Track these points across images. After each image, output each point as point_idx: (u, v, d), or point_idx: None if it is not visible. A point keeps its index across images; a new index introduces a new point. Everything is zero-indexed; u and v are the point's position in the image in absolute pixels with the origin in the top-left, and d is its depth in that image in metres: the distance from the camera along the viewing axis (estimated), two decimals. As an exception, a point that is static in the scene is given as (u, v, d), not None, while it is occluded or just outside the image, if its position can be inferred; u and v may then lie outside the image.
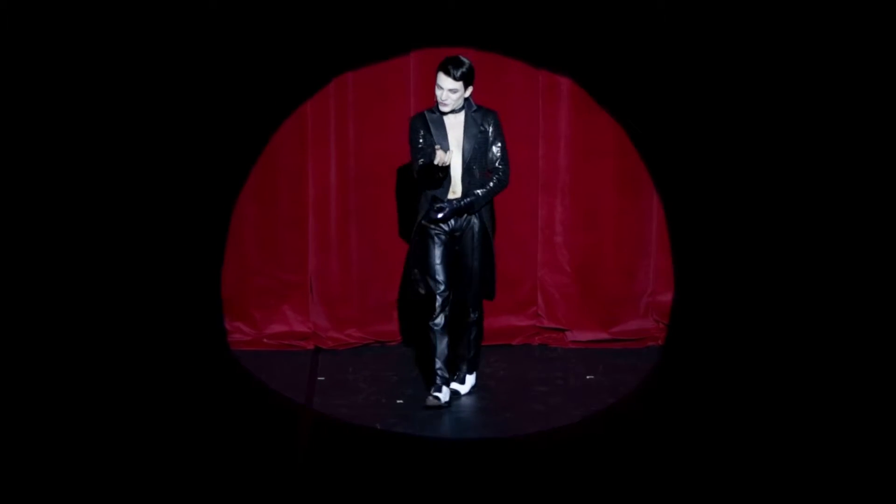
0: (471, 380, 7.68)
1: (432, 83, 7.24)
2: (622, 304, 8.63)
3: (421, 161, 7.18)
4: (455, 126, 7.25)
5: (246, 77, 6.89)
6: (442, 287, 7.33)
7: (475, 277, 7.38)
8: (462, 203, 7.25)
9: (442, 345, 7.39)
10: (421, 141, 7.22)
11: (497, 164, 7.29)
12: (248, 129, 7.30)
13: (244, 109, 7.19)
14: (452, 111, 7.22)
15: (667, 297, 8.61)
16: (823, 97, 6.75)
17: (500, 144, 7.27)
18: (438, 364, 7.41)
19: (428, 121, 7.25)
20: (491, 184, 7.29)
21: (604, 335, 8.62)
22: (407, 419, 7.37)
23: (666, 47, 7.49)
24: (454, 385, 7.56)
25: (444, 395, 7.44)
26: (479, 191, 7.25)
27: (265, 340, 8.48)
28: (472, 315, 7.48)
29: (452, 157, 7.18)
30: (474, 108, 7.27)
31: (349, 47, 7.78)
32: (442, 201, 7.26)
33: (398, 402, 7.67)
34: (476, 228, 7.32)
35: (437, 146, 7.13)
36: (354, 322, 8.55)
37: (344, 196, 8.43)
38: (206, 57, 6.81)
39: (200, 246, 7.56)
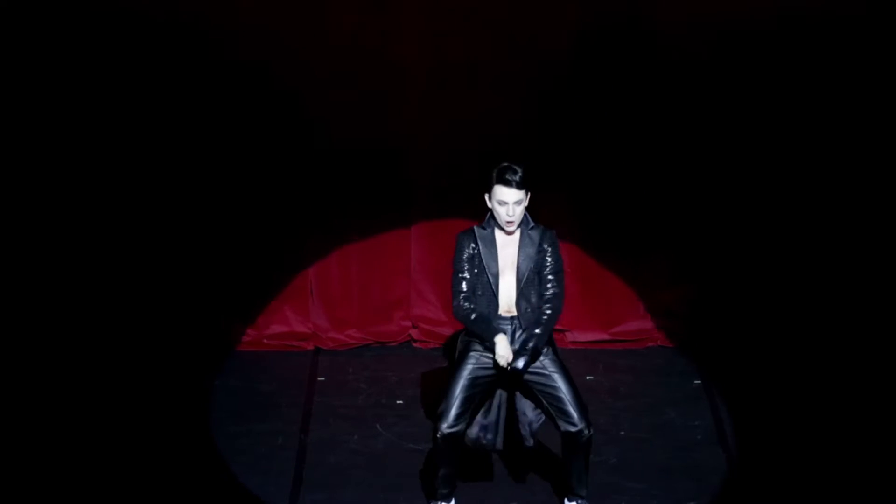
0: None
1: None
2: (622, 304, 8.62)
3: (472, 310, 6.40)
4: (508, 244, 6.43)
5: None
6: (458, 422, 6.35)
7: (569, 393, 6.38)
8: (529, 348, 6.33)
9: (451, 455, 6.45)
10: (466, 257, 6.42)
11: (549, 291, 6.43)
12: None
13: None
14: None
15: (666, 296, 8.61)
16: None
17: (557, 269, 6.44)
18: (443, 474, 6.49)
19: (477, 237, 6.43)
20: (545, 317, 6.40)
21: (604, 335, 8.60)
22: (407, 419, 7.37)
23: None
24: None
25: None
26: (536, 330, 6.37)
27: (265, 341, 8.46)
28: (584, 431, 6.35)
29: (505, 276, 6.41)
30: (531, 224, 6.44)
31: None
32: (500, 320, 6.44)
33: (398, 402, 7.67)
34: (544, 357, 6.44)
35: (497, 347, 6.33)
36: (354, 322, 8.53)
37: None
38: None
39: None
